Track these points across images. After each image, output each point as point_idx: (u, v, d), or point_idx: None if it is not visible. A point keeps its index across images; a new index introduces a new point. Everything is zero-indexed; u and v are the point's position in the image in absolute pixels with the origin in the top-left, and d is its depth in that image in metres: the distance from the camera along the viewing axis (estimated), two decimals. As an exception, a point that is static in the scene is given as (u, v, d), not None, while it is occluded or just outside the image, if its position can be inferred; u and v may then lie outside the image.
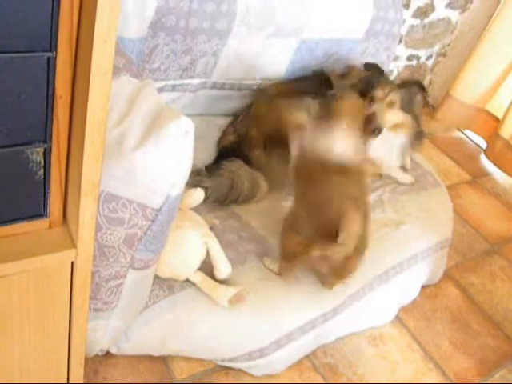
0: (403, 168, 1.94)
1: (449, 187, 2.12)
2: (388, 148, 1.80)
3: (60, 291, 0.93)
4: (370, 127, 1.67)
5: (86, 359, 1.17)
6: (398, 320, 1.69)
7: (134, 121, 0.96)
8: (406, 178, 1.84)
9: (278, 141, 1.65)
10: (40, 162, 0.79)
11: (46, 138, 0.77)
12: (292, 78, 1.88)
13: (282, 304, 1.37)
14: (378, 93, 1.68)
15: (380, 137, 1.70)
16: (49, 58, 0.70)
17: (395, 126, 1.74)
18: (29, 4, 0.65)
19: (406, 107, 1.73)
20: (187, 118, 0.95)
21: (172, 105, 1.67)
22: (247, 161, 1.64)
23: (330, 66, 1.91)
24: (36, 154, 0.78)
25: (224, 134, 1.78)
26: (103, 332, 1.22)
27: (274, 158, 1.65)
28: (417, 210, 1.79)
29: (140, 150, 0.93)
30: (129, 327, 1.28)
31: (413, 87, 1.73)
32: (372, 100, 1.69)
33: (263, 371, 1.41)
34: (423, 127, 1.82)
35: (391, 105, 1.71)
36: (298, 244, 1.32)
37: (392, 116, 1.72)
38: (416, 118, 1.77)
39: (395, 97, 1.70)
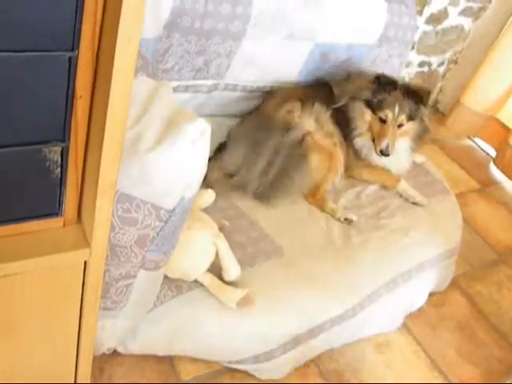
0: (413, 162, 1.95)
1: (457, 195, 2.11)
2: (395, 155, 1.79)
3: (72, 290, 0.93)
4: (378, 146, 1.71)
5: (93, 358, 1.16)
6: (405, 327, 1.69)
7: (149, 122, 0.96)
8: (419, 199, 1.82)
9: (282, 145, 1.65)
10: (57, 161, 0.79)
11: (64, 137, 0.77)
12: (302, 82, 1.88)
13: (290, 308, 1.37)
14: (389, 116, 1.69)
15: None
16: (70, 58, 0.70)
17: (399, 135, 1.75)
18: (52, 2, 0.65)
19: (413, 115, 1.73)
20: (203, 120, 0.95)
21: (184, 105, 1.67)
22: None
23: (341, 71, 1.90)
24: (53, 152, 0.78)
25: (229, 132, 1.78)
26: (111, 331, 1.22)
27: (279, 162, 1.64)
28: (426, 217, 1.78)
29: (156, 152, 0.93)
30: (136, 327, 1.28)
31: (417, 96, 1.72)
32: (382, 120, 1.71)
33: (269, 374, 1.41)
34: (428, 125, 1.81)
35: (401, 126, 1.72)
36: None
37: (399, 133, 1.73)
38: (421, 120, 1.78)
39: (404, 116, 1.70)
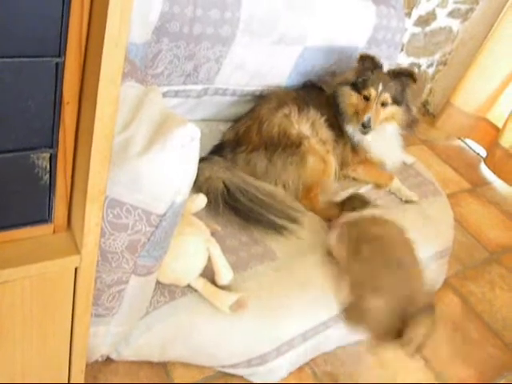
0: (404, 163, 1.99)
1: (449, 196, 2.13)
2: (386, 143, 1.84)
3: (63, 297, 0.93)
4: (360, 121, 1.73)
5: (86, 365, 1.16)
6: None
7: (139, 127, 0.96)
8: (411, 196, 1.84)
9: (277, 146, 1.66)
10: (46, 168, 0.79)
11: (52, 143, 0.77)
12: (292, 85, 1.89)
13: (283, 311, 1.37)
14: (373, 93, 1.72)
15: (374, 133, 1.76)
16: (57, 64, 0.70)
17: (386, 119, 1.78)
18: (38, 8, 0.65)
19: (399, 98, 1.75)
20: (193, 124, 0.95)
21: (174, 110, 1.67)
22: (235, 160, 1.66)
23: (330, 73, 1.92)
24: (42, 159, 0.78)
25: (224, 133, 1.80)
26: (103, 338, 1.21)
27: (273, 162, 1.66)
28: (417, 219, 1.79)
29: (145, 157, 0.92)
30: (129, 333, 1.27)
31: (404, 78, 1.75)
32: (366, 98, 1.74)
33: (263, 378, 1.41)
34: (415, 115, 1.84)
35: (384, 104, 1.74)
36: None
37: (384, 114, 1.76)
38: (408, 108, 1.80)
39: (388, 95, 1.73)
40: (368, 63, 1.74)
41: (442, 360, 1.64)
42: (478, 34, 2.72)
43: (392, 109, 1.76)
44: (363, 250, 1.38)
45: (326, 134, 1.76)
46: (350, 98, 1.77)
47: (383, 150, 1.84)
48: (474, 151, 2.86)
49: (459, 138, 2.92)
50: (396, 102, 1.75)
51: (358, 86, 1.75)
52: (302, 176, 1.66)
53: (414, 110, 1.83)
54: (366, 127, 1.72)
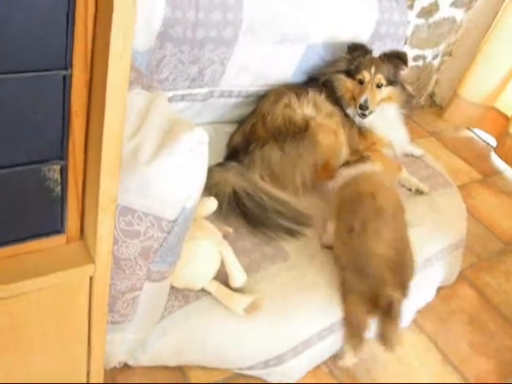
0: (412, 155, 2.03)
1: (460, 187, 2.11)
2: (389, 123, 1.87)
3: (79, 306, 0.93)
4: (357, 103, 1.77)
5: (104, 372, 1.17)
6: (415, 323, 1.68)
7: (147, 134, 0.97)
8: (422, 186, 1.84)
9: (286, 135, 1.67)
10: (57, 179, 0.80)
11: (62, 155, 0.78)
12: (296, 82, 1.89)
13: (298, 311, 1.36)
14: (366, 75, 1.77)
15: (375, 115, 1.81)
16: (64, 76, 0.71)
17: (382, 100, 1.82)
18: (44, 23, 0.66)
19: (393, 79, 1.81)
20: (201, 128, 0.95)
21: (181, 115, 1.67)
22: (253, 159, 1.65)
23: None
24: (53, 171, 0.79)
25: (231, 136, 1.80)
26: (120, 344, 1.22)
27: (286, 152, 1.66)
28: (429, 212, 1.78)
29: (154, 163, 0.93)
30: (145, 339, 1.28)
31: (396, 59, 1.80)
32: (361, 82, 1.78)
33: (280, 378, 1.41)
34: (411, 92, 1.91)
35: (379, 86, 1.79)
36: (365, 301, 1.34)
37: (381, 95, 1.80)
38: (403, 87, 1.86)
39: (382, 76, 1.78)
40: (358, 51, 1.79)
41: (459, 353, 1.63)
42: (483, 23, 2.70)
43: (387, 90, 1.81)
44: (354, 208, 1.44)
45: (329, 107, 1.79)
46: (345, 84, 1.82)
47: (387, 130, 1.87)
48: (484, 141, 2.83)
49: (468, 129, 2.89)
50: (390, 82, 1.80)
51: (351, 73, 1.80)
52: (318, 155, 1.68)
53: (410, 88, 1.89)
54: (363, 109, 1.76)
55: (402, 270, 1.38)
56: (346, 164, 1.60)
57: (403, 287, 1.36)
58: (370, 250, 1.35)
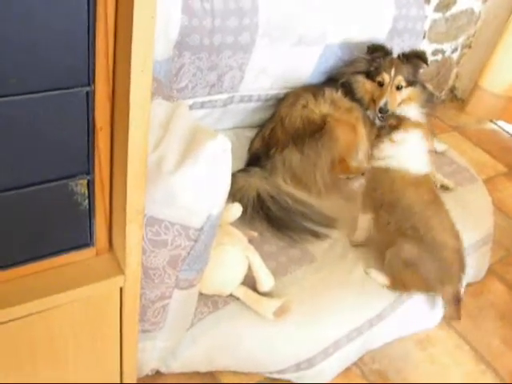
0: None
1: (485, 181, 2.08)
2: None
3: (110, 317, 0.95)
4: (377, 107, 1.75)
5: (137, 380, 1.18)
6: (445, 321, 1.66)
7: (170, 144, 0.98)
8: (447, 181, 1.83)
9: (304, 136, 1.67)
10: (84, 194, 0.81)
11: (88, 169, 0.79)
12: (314, 83, 1.89)
13: (327, 313, 1.36)
14: (386, 77, 1.75)
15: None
16: (87, 92, 0.72)
17: (403, 102, 1.79)
18: (65, 42, 0.67)
19: (413, 80, 1.78)
20: (223, 136, 0.96)
21: (202, 121, 1.68)
22: (275, 164, 1.66)
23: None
24: (80, 185, 0.80)
25: (251, 142, 1.81)
26: (151, 352, 1.23)
27: (305, 153, 1.66)
28: (455, 208, 1.74)
29: (178, 173, 0.94)
30: (176, 346, 1.29)
31: (415, 59, 1.78)
32: (380, 84, 1.76)
33: (312, 381, 1.40)
34: (432, 91, 1.94)
35: (399, 88, 1.77)
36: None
37: (401, 96, 1.78)
38: (423, 87, 1.83)
39: (402, 78, 1.76)
40: (378, 52, 1.77)
41: (492, 350, 1.61)
42: (502, 13, 2.65)
43: (407, 91, 1.78)
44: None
45: (348, 103, 1.77)
46: (364, 86, 1.80)
47: None
48: (508, 132, 2.78)
49: (491, 121, 2.84)
50: (410, 83, 1.78)
51: (371, 74, 1.78)
52: (336, 150, 1.68)
53: (430, 87, 1.89)
54: (383, 112, 1.73)
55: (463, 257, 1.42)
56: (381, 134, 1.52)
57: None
58: (440, 243, 1.37)
